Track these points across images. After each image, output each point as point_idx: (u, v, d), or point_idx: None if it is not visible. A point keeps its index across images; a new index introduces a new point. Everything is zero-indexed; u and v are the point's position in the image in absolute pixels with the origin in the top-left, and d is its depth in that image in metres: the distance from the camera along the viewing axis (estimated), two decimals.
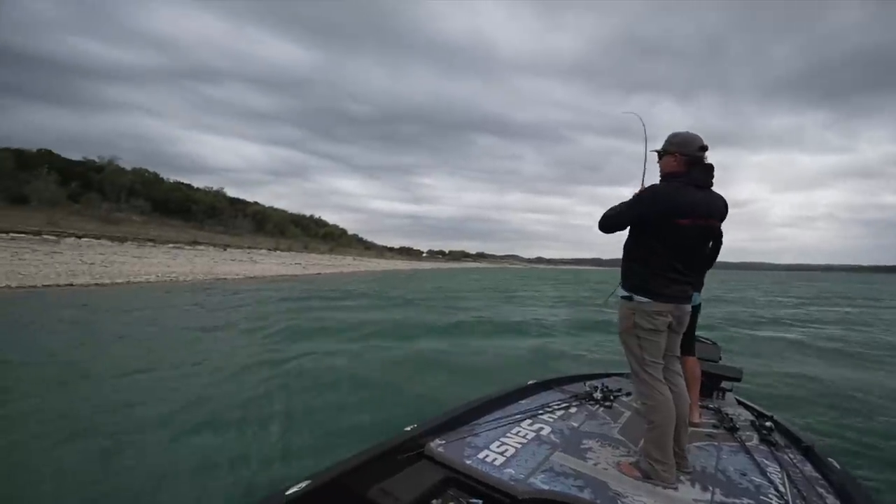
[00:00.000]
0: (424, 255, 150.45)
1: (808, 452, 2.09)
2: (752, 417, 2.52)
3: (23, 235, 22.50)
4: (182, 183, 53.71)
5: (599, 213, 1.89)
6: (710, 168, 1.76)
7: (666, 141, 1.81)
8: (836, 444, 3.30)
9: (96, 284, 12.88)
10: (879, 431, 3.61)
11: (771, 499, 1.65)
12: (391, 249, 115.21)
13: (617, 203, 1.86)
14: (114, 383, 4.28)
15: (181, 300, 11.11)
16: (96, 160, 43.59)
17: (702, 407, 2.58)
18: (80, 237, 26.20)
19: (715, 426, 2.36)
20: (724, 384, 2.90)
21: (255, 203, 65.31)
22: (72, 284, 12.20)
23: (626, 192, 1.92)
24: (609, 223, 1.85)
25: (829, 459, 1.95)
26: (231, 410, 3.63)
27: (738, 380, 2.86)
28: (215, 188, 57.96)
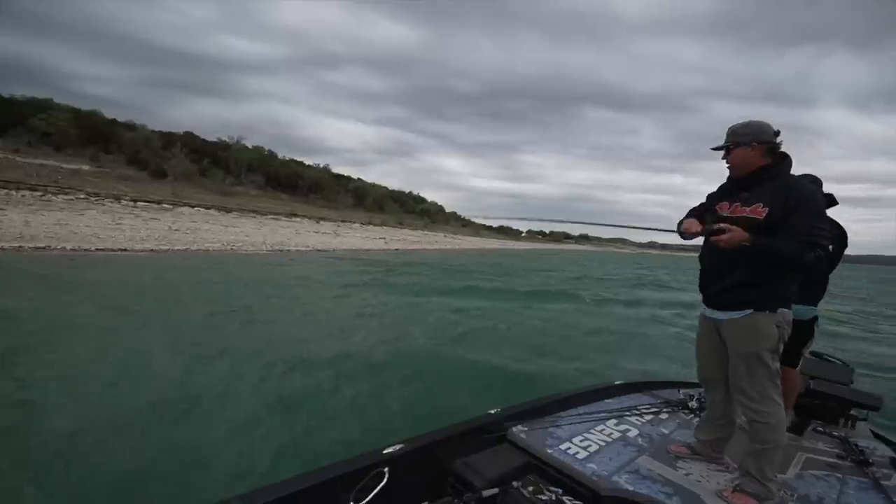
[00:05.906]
0: (524, 234, 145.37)
1: None
2: (893, 454, 2.09)
3: (145, 203, 25.26)
4: (293, 160, 58.10)
5: None
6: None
7: (731, 132, 1.67)
8: None
9: (151, 251, 12.59)
10: None
11: None
12: (489, 228, 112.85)
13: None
14: None
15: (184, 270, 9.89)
16: (227, 140, 48.97)
17: (823, 433, 2.31)
18: (192, 206, 28.82)
19: (840, 456, 2.02)
20: (857, 412, 2.48)
21: (358, 179, 68.34)
22: (125, 250, 11.97)
23: None
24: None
25: None
26: None
27: (876, 409, 2.39)
28: (322, 165, 61.69)
